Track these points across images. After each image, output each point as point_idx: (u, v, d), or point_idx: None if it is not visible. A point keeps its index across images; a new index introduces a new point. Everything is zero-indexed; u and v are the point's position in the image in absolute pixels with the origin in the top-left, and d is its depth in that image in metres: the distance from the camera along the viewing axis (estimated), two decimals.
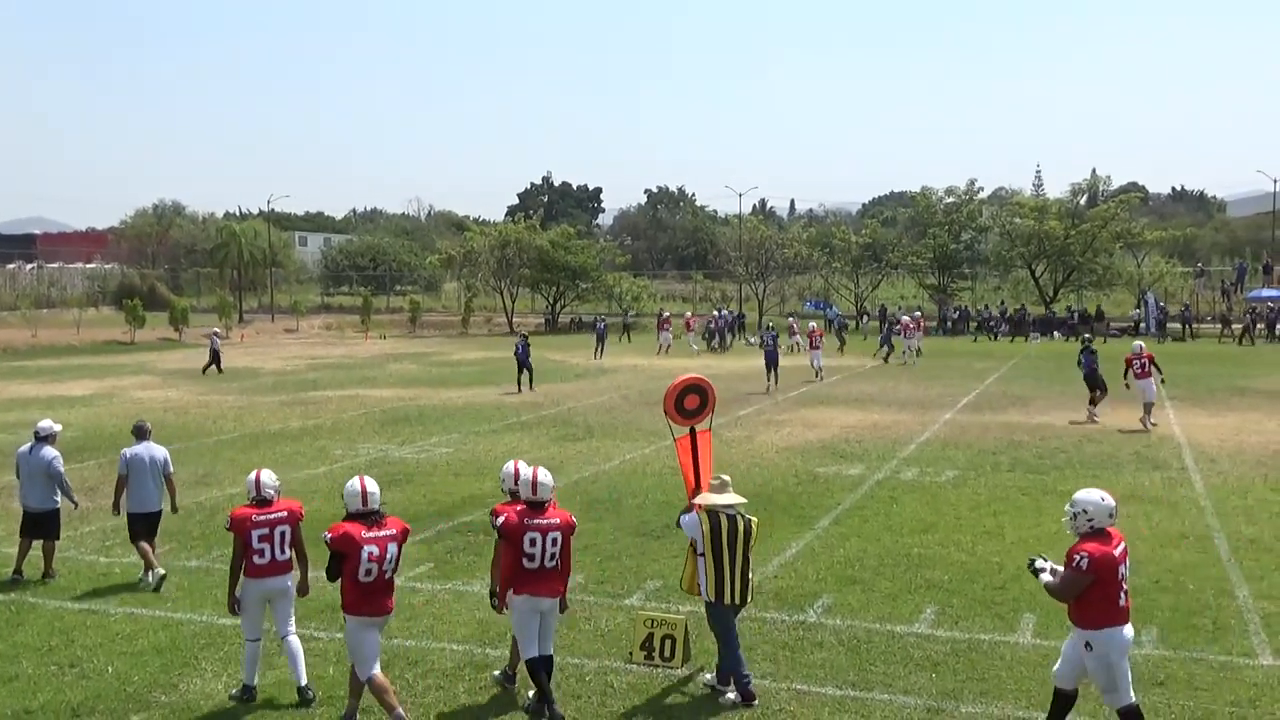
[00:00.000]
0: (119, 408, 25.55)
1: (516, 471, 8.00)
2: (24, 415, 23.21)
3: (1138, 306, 55.74)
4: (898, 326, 40.36)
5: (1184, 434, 20.15)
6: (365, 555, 7.21)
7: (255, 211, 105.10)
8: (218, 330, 40.84)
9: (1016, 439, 19.57)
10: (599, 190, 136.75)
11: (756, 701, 7.79)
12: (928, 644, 8.93)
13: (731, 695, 7.83)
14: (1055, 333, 51.84)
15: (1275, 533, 12.58)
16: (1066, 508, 6.88)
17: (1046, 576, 6.89)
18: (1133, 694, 6.78)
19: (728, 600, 7.86)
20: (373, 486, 7.46)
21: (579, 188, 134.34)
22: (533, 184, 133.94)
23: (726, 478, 8.21)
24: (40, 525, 11.20)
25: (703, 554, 7.86)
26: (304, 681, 7.93)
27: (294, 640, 8.04)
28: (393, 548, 7.36)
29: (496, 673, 8.22)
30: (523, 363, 29.14)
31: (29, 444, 11.38)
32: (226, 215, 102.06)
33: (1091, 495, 6.80)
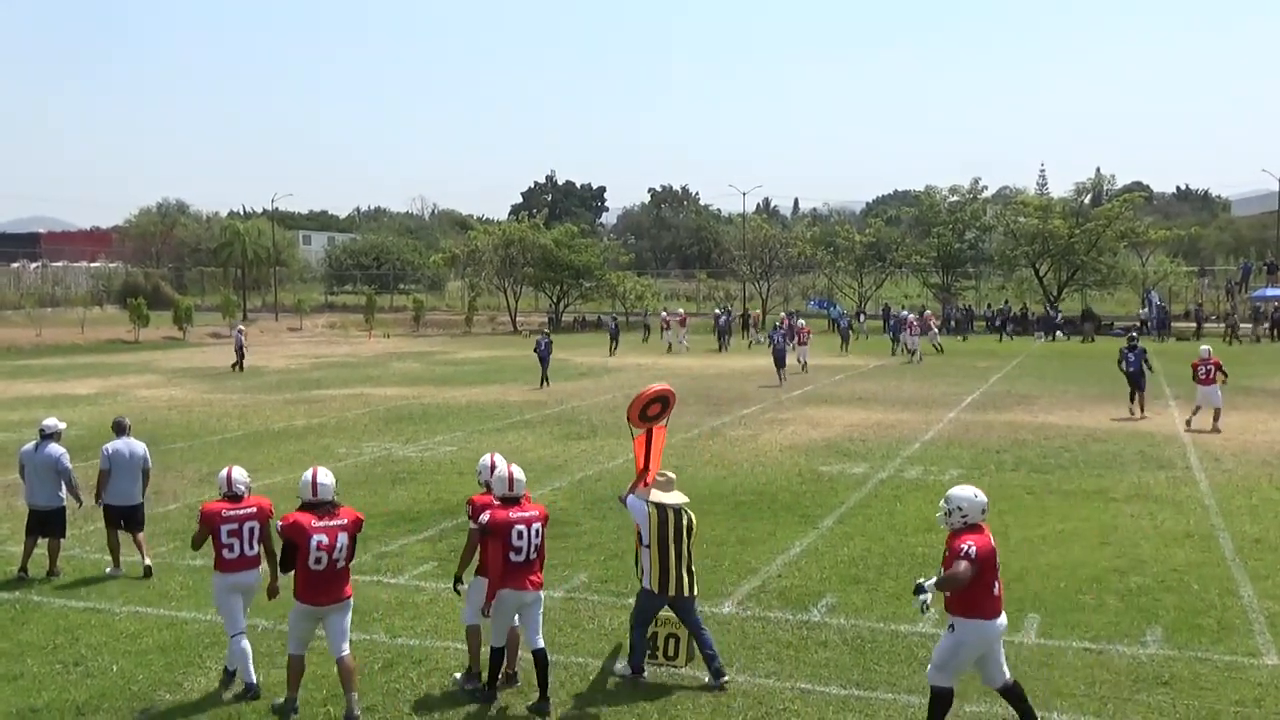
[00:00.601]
0: (123, 406, 25.56)
1: (493, 464, 8.19)
2: (29, 414, 23.26)
3: (1143, 306, 55.61)
4: (906, 325, 40.40)
5: (1188, 433, 20.11)
6: (314, 544, 7.42)
7: (259, 210, 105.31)
8: (242, 327, 40.80)
9: (1020, 438, 19.54)
10: (603, 189, 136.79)
11: (645, 675, 8.16)
12: (932, 643, 8.88)
13: (619, 665, 8.29)
14: (1059, 332, 51.75)
15: None
16: (941, 504, 7.10)
17: (930, 584, 6.89)
18: (954, 682, 7.00)
19: (671, 592, 8.11)
20: (324, 478, 7.64)
21: (583, 187, 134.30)
22: (536, 183, 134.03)
23: (672, 475, 8.49)
24: (46, 523, 11.24)
25: (647, 545, 8.12)
26: (253, 679, 8.05)
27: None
28: (343, 537, 7.55)
29: (457, 675, 8.24)
30: (543, 359, 29.65)
31: (34, 442, 11.42)
32: (230, 214, 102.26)
33: (965, 492, 7.06)
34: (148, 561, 11.20)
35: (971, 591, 6.78)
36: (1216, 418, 20.61)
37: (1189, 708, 7.61)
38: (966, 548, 6.75)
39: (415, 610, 9.89)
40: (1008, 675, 7.11)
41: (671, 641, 8.44)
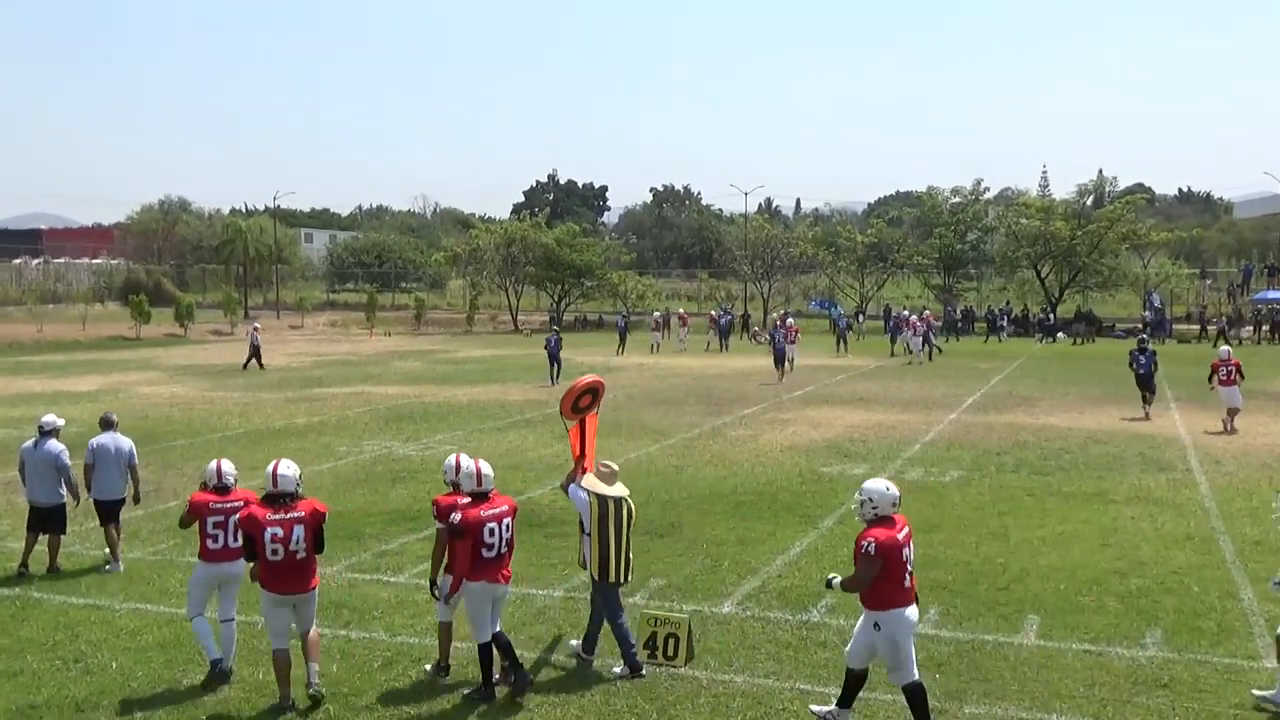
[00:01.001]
0: (124, 403, 25.59)
1: (458, 464, 8.30)
2: (30, 410, 23.27)
3: (1146, 308, 55.61)
4: (907, 325, 40.39)
5: (1189, 436, 20.11)
6: (268, 537, 7.57)
7: (261, 208, 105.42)
8: (258, 325, 40.62)
9: (1021, 440, 19.54)
10: (604, 188, 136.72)
11: (645, 672, 8.21)
12: (931, 644, 8.92)
13: (618, 669, 8.31)
14: (1060, 334, 51.74)
15: None
16: (855, 495, 7.32)
17: (839, 579, 7.29)
18: (916, 672, 7.16)
19: (612, 579, 8.35)
20: (285, 469, 7.77)
21: (585, 186, 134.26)
22: (538, 182, 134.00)
23: (615, 467, 8.70)
24: (47, 520, 11.27)
25: (588, 534, 8.34)
26: (227, 661, 8.22)
27: (231, 627, 8.40)
28: (299, 530, 7.64)
29: (428, 666, 8.37)
30: (553, 356, 30.22)
31: (33, 439, 11.45)
32: (232, 211, 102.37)
33: (877, 485, 7.24)
34: (117, 553, 11.42)
35: (883, 585, 7.01)
36: (1232, 416, 20.69)
37: (1188, 710, 7.61)
38: (866, 545, 6.98)
39: (415, 609, 9.89)
40: (866, 663, 7.38)
41: (671, 641, 8.45)
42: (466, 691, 7.94)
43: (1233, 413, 20.75)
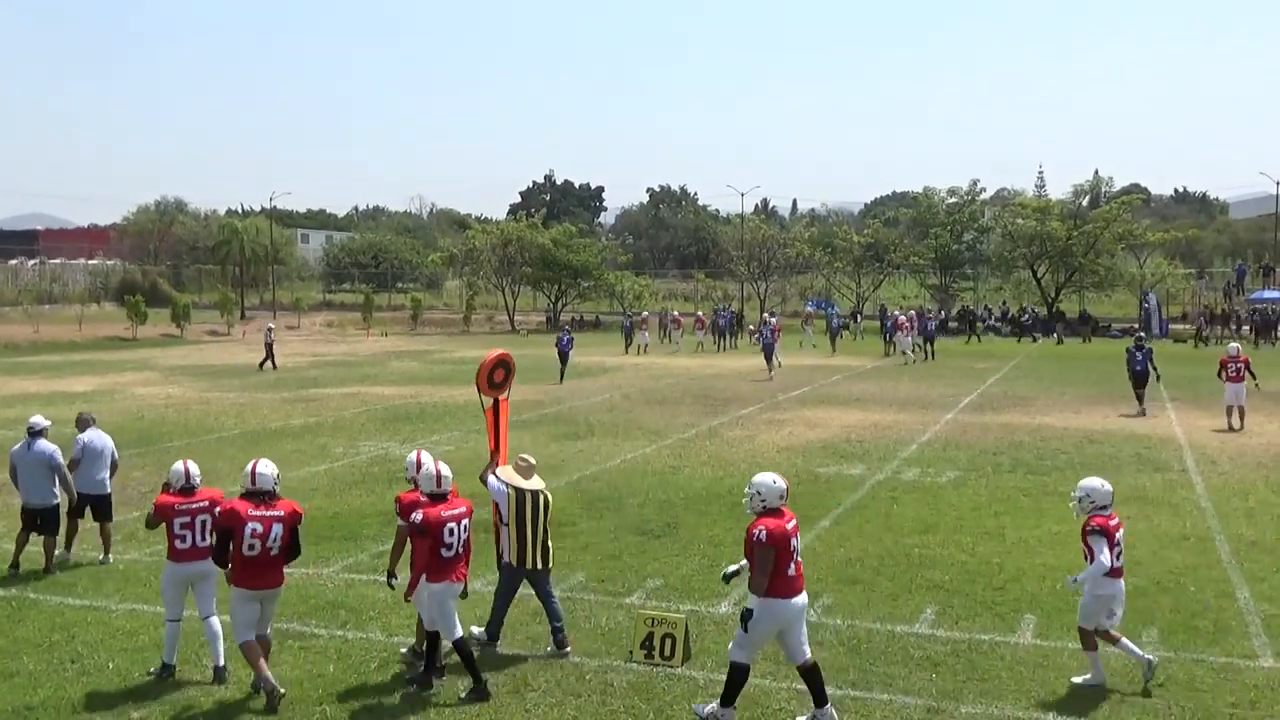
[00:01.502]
0: (120, 404, 25.57)
1: (419, 462, 8.57)
2: (25, 411, 23.15)
3: (1142, 309, 55.70)
4: (899, 326, 40.43)
5: (1185, 435, 20.13)
6: (249, 532, 7.71)
7: (257, 209, 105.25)
8: (271, 326, 40.39)
9: (1017, 440, 19.55)
10: (601, 189, 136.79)
11: (498, 647, 8.69)
12: (928, 644, 8.93)
13: (478, 632, 8.81)
14: (1055, 334, 51.85)
15: (1276, 534, 12.57)
16: (746, 489, 7.55)
17: (733, 568, 7.71)
18: (748, 660, 7.29)
19: (529, 565, 8.71)
20: (263, 468, 7.96)
21: (581, 186, 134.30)
22: (535, 182, 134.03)
23: (532, 460, 9.05)
24: (43, 522, 11.26)
25: (506, 524, 8.68)
26: (221, 662, 8.26)
27: (214, 622, 8.39)
28: (277, 527, 7.81)
29: (404, 649, 8.65)
30: (563, 356, 30.63)
31: (23, 441, 11.44)
32: (229, 212, 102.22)
33: (765, 478, 7.53)
34: (110, 559, 11.54)
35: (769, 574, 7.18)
36: (1241, 415, 20.79)
37: (1184, 709, 7.62)
38: (758, 533, 7.22)
39: (411, 609, 9.83)
40: (808, 654, 7.42)
41: (667, 642, 8.45)
42: (462, 695, 7.93)
43: (1240, 410, 20.79)
